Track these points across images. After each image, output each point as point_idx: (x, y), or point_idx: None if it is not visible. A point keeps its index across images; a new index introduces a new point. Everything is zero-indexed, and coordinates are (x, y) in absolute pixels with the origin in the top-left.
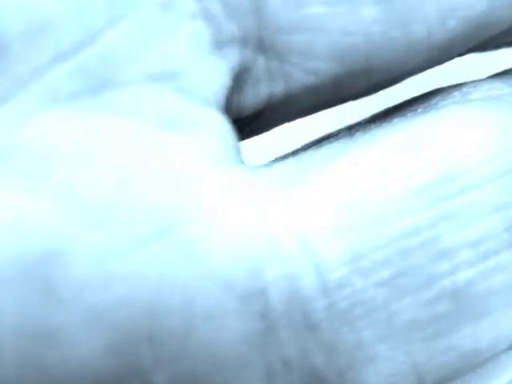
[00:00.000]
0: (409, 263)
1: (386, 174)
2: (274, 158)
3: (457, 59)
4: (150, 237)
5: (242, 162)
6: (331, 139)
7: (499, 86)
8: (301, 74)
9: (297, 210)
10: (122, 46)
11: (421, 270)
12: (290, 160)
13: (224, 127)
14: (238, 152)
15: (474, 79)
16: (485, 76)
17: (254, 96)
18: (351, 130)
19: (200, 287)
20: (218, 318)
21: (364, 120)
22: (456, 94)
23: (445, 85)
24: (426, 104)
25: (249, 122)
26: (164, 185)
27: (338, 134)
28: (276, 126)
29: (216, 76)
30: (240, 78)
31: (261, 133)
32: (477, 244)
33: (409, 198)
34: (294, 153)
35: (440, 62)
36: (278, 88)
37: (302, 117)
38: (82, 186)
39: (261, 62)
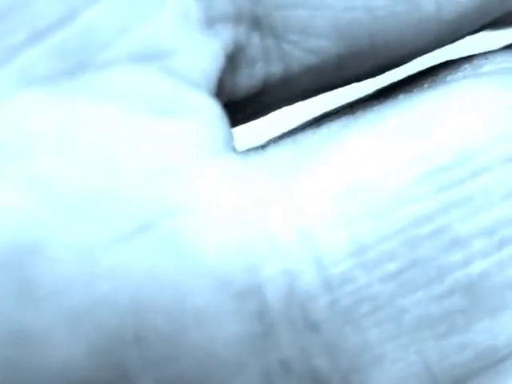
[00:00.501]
0: (418, 255)
1: (391, 157)
2: (268, 140)
3: (468, 38)
4: (135, 230)
5: (234, 150)
6: (331, 117)
7: None
8: (300, 53)
9: (295, 202)
10: (102, 25)
11: (431, 262)
12: (286, 145)
13: (215, 112)
14: (230, 139)
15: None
16: None
17: (250, 77)
18: (353, 107)
19: (191, 284)
20: (211, 318)
21: (367, 96)
22: (466, 66)
23: None
24: (433, 78)
25: (245, 106)
26: (151, 174)
27: (339, 111)
28: (274, 109)
29: (207, 56)
30: (234, 58)
31: (258, 117)
32: (491, 232)
33: (416, 184)
34: (291, 133)
35: (450, 41)
36: (276, 68)
37: (301, 99)
38: (61, 174)
39: (256, 40)
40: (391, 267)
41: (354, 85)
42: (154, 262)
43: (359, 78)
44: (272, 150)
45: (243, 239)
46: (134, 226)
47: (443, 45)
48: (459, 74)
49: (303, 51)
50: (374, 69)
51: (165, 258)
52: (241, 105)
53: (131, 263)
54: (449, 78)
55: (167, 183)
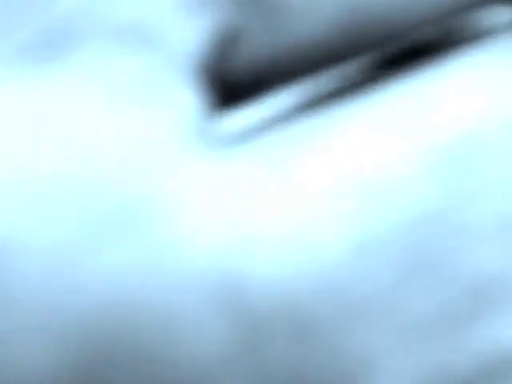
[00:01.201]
0: (422, 251)
1: (391, 146)
2: (253, 126)
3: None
4: (105, 228)
5: (220, 140)
6: (325, 100)
7: None
8: (301, 31)
9: (287, 197)
10: (82, 3)
11: (438, 258)
12: (275, 133)
13: (200, 100)
14: (214, 128)
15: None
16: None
17: (246, 58)
18: (344, 89)
19: (168, 292)
20: (193, 327)
21: (361, 71)
22: (468, 42)
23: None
24: (432, 56)
25: (244, 89)
26: (126, 167)
27: (330, 93)
28: (274, 91)
29: (197, 35)
30: (228, 37)
31: (257, 100)
32: (504, 225)
33: (418, 174)
34: (280, 118)
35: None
36: (275, 48)
37: (302, 79)
38: (27, 163)
39: (253, 18)
40: (393, 265)
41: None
42: (126, 267)
43: (363, 54)
44: (260, 141)
45: (225, 241)
46: (103, 225)
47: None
48: (460, 51)
49: (304, 28)
50: (380, 43)
51: (138, 263)
52: (238, 88)
53: (100, 267)
54: (449, 55)
55: (142, 179)
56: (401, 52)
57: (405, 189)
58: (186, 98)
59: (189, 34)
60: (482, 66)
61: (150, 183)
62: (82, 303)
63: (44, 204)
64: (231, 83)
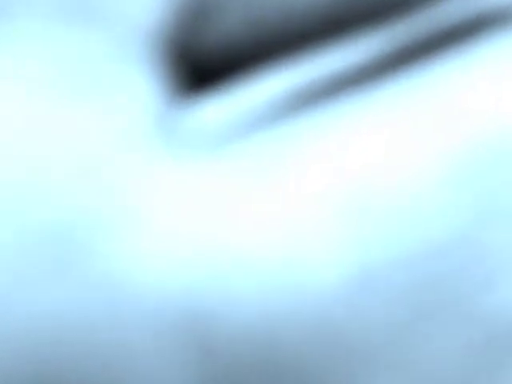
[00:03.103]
0: (434, 281)
1: (396, 149)
2: (230, 121)
3: None
4: (43, 256)
5: (188, 142)
6: (317, 89)
7: None
8: (281, 4)
9: (266, 212)
10: None
11: (452, 292)
12: (255, 131)
13: (163, 87)
14: (182, 126)
15: None
16: None
17: (219, 34)
18: (351, 81)
19: (113, 324)
20: (144, 367)
21: (374, 57)
22: (496, 22)
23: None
24: (462, 34)
25: (216, 71)
26: (66, 174)
27: (326, 82)
28: (252, 74)
29: (160, 7)
30: (197, 10)
31: (232, 85)
32: None
33: (434, 187)
34: (264, 113)
35: None
36: (251, 23)
37: (285, 60)
38: None
39: None
40: (400, 304)
41: None
42: (77, 296)
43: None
44: (238, 141)
45: (185, 262)
46: (39, 245)
47: None
48: (489, 36)
49: (279, 2)
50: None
51: (90, 293)
52: (209, 70)
53: (46, 300)
54: (476, 41)
55: (85, 188)
56: (414, 35)
57: (416, 205)
58: (145, 85)
59: (149, 4)
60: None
61: (99, 199)
62: (12, 342)
63: None
64: (201, 64)
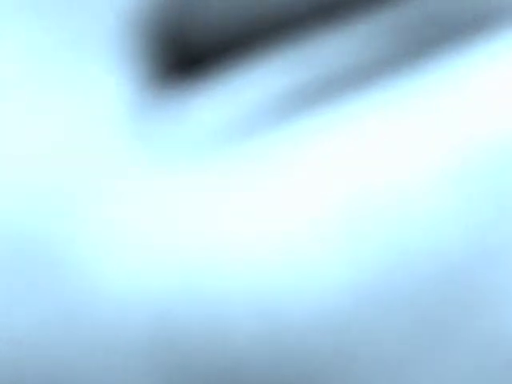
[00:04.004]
0: (436, 283)
1: (401, 151)
2: (219, 120)
3: None
4: (7, 254)
5: (174, 145)
6: (315, 85)
7: None
8: None
9: (257, 224)
10: None
11: (453, 321)
12: (248, 132)
13: (146, 73)
14: (165, 124)
15: None
16: None
17: (210, 16)
18: (349, 79)
19: (80, 346)
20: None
21: (372, 49)
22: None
23: None
24: (471, 24)
25: (206, 55)
26: (31, 178)
27: (324, 77)
28: (246, 60)
29: None
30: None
31: (223, 73)
32: None
33: (442, 194)
34: (259, 111)
35: None
36: (245, 5)
37: (280, 45)
38: None
39: None
40: (400, 294)
41: None
42: (45, 315)
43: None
44: (229, 143)
45: (159, 272)
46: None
47: None
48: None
49: None
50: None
51: (60, 313)
52: (199, 54)
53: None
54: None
55: (54, 192)
56: (419, 26)
57: (417, 206)
58: (118, 77)
59: None
60: None
61: (68, 206)
62: None
63: None
64: (189, 47)
